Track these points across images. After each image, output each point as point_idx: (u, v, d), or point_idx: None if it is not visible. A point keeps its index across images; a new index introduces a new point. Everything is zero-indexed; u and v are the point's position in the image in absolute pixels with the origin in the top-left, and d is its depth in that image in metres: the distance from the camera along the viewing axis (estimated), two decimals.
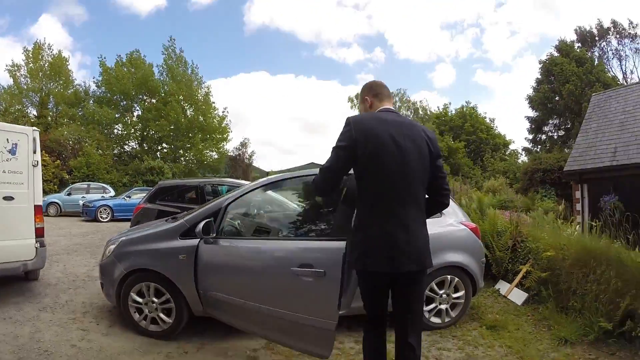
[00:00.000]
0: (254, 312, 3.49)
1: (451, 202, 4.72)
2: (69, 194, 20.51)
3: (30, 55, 31.17)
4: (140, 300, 4.29)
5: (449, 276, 4.64)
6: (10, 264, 5.34)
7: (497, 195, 16.37)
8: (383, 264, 2.42)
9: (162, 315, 4.27)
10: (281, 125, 69.28)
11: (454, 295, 4.72)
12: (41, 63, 31.41)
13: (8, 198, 5.38)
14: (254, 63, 70.87)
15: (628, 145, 11.79)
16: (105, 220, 17.12)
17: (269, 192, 4.81)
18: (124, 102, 32.61)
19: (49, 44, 31.92)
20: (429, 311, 4.65)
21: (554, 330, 4.63)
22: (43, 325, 4.49)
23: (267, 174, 33.32)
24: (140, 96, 32.71)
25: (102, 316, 4.81)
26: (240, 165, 32.85)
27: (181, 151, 33.98)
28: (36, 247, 5.57)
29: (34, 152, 5.66)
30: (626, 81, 31.91)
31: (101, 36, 50.62)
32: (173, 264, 4.08)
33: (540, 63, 34.06)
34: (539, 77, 33.43)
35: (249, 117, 65.43)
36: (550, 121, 33.41)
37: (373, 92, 2.78)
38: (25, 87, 31.19)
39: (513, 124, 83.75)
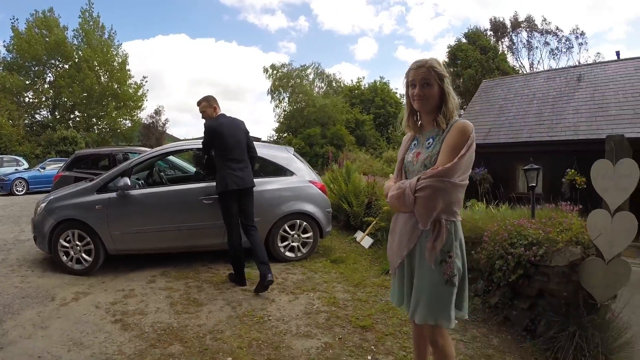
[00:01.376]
0: (170, 231, 5.64)
1: (301, 164, 6.50)
2: None
3: None
4: (67, 245, 5.55)
5: (298, 220, 6.16)
6: None
7: (392, 165, 17.94)
8: (235, 186, 4.87)
9: (84, 255, 5.57)
10: (199, 91, 67.68)
11: (304, 236, 6.23)
12: None
13: None
14: (174, 25, 68.69)
15: (500, 127, 13.62)
16: (21, 193, 17.13)
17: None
18: (36, 68, 30.51)
19: None
20: (284, 247, 6.16)
21: (382, 265, 5.87)
22: None
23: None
24: (53, 61, 30.74)
25: (35, 266, 5.91)
26: (153, 134, 32.32)
27: (94, 119, 32.36)
28: None
29: None
30: (532, 69, 36.22)
31: None
32: (92, 214, 5.51)
33: (448, 47, 37.25)
34: (446, 60, 36.12)
35: (166, 81, 64.38)
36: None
37: (216, 104, 5.17)
38: None
39: None
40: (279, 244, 6.13)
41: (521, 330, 3.95)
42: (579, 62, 33.44)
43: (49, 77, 31.37)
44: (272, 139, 37.05)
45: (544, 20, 39.70)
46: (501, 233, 4.09)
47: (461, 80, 34.06)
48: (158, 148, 6.77)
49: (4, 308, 4.37)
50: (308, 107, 35.68)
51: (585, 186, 9.81)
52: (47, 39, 29.44)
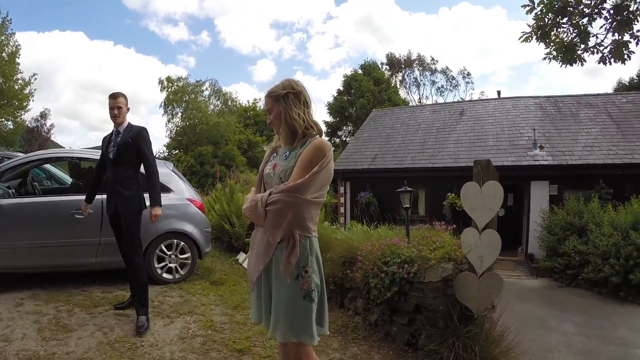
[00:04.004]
0: (40, 248, 5.06)
1: (180, 181, 6.12)
2: None
3: None
4: None
5: (175, 240, 5.83)
6: None
7: None
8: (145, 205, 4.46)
9: None
10: (90, 97, 64.03)
11: (182, 257, 5.90)
12: None
13: None
14: (72, 22, 64.57)
15: (386, 154, 14.39)
16: None
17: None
18: None
19: None
20: (161, 268, 5.78)
21: None
22: None
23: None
24: None
25: None
26: (37, 139, 29.47)
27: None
28: None
29: None
30: (420, 103, 38.92)
31: None
32: None
33: (344, 77, 38.49)
34: (340, 88, 37.75)
35: (56, 82, 59.66)
36: (345, 128, 37.69)
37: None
38: None
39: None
40: (156, 265, 5.74)
41: (403, 344, 4.03)
42: (463, 99, 36.82)
43: None
44: (162, 155, 35.35)
45: (433, 59, 42.97)
46: (375, 252, 4.11)
47: (353, 108, 35.53)
48: (34, 153, 6.01)
49: None
50: (201, 124, 34.77)
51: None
52: None
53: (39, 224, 5.14)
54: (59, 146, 29.87)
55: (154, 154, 4.50)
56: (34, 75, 28.43)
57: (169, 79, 37.25)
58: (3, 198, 5.15)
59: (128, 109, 4.37)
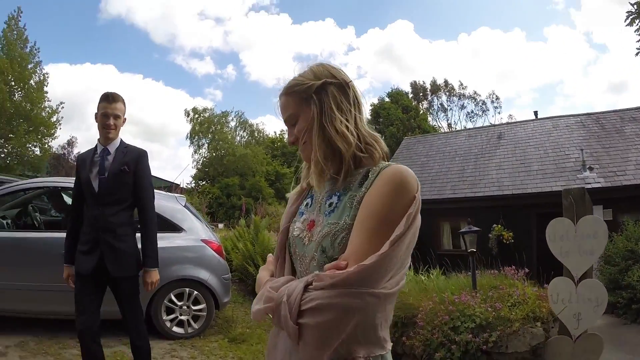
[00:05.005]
0: (31, 291, 4.39)
1: (194, 219, 5.32)
2: None
3: None
4: None
5: (187, 289, 4.98)
6: None
7: None
8: None
9: None
10: (121, 128, 64.62)
11: (195, 308, 5.03)
12: None
13: None
14: (103, 55, 65.46)
15: (423, 184, 13.28)
16: None
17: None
18: None
19: None
20: (171, 321, 4.93)
21: None
22: None
23: None
24: None
25: None
26: (63, 167, 29.81)
27: (1, 141, 29.73)
28: None
29: None
30: (450, 129, 37.93)
31: None
32: None
33: (371, 105, 37.58)
34: (368, 117, 36.70)
35: (88, 111, 61.42)
36: None
37: None
38: None
39: None
40: (164, 317, 4.89)
41: None
42: (492, 124, 35.80)
43: None
44: (189, 187, 35.16)
45: (461, 84, 42.03)
46: (439, 312, 3.12)
47: (383, 137, 34.12)
48: (35, 180, 5.40)
49: None
50: (228, 155, 34.66)
51: (512, 240, 10.05)
52: None
53: (34, 263, 4.51)
54: None
55: (152, 188, 3.25)
56: (61, 103, 29.34)
57: (195, 109, 37.64)
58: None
59: (124, 120, 3.15)
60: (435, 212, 12.17)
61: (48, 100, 29.80)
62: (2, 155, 28.73)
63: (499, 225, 10.51)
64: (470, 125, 40.10)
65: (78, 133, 62.13)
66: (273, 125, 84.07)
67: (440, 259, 7.19)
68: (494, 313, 2.99)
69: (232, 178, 32.73)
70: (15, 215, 5.42)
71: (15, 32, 28.53)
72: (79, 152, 31.83)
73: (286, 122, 1.33)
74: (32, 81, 28.83)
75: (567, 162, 11.40)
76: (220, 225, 20.93)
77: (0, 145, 29.03)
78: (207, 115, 37.59)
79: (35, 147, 30.01)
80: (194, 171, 37.71)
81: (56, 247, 4.25)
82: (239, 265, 7.38)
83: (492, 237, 10.59)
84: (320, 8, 68.23)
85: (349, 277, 1.00)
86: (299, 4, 68.47)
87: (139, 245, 3.09)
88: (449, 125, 41.30)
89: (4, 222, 4.98)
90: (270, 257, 1.44)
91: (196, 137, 37.25)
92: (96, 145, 3.04)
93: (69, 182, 4.86)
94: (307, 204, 1.35)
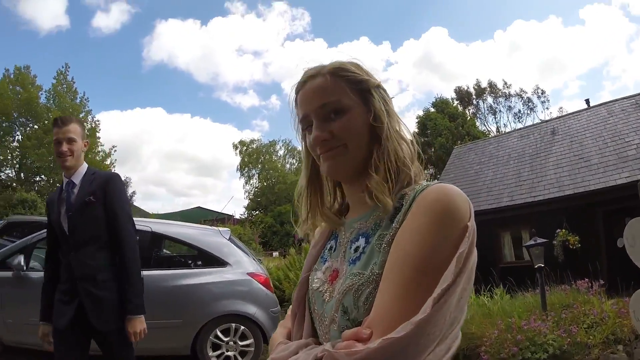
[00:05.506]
0: None
1: (239, 252, 5.24)
2: None
3: None
4: None
5: (234, 324, 4.85)
6: None
7: None
8: None
9: None
10: (175, 166, 66.13)
11: (242, 343, 4.88)
12: None
13: None
14: (151, 99, 68.40)
15: (479, 193, 12.62)
16: None
17: None
18: (5, 124, 29.40)
19: None
20: (217, 357, 4.83)
21: None
22: None
23: (147, 214, 32.22)
24: (22, 119, 29.73)
25: None
26: None
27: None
28: None
29: None
30: (499, 132, 36.31)
31: None
32: None
33: (417, 118, 36.76)
34: (415, 130, 35.25)
35: (142, 154, 63.39)
36: (426, 171, 35.65)
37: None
38: None
39: None
40: (210, 353, 4.79)
41: None
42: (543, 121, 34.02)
43: (18, 135, 30.39)
44: (243, 217, 35.70)
45: (505, 84, 40.07)
46: (507, 345, 2.72)
47: (432, 149, 33.44)
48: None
49: None
50: (279, 183, 34.99)
51: (579, 245, 9.17)
52: (20, 96, 28.65)
53: None
54: (143, 212, 32.04)
55: (132, 218, 2.68)
56: (113, 147, 31.60)
57: (242, 142, 38.72)
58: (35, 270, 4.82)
59: (86, 144, 2.71)
60: (493, 223, 11.42)
61: (101, 145, 31.63)
62: None
63: (564, 230, 9.66)
64: (519, 125, 37.64)
65: (133, 174, 65.37)
66: None
67: (503, 274, 6.65)
68: (569, 339, 2.57)
69: (285, 206, 32.98)
70: None
71: (64, 85, 31.20)
72: (133, 192, 33.16)
73: (319, 110, 0.96)
74: (85, 130, 31.63)
75: (629, 149, 10.40)
76: (275, 254, 20.92)
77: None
78: (254, 146, 38.45)
79: None
80: (246, 202, 38.49)
81: None
82: (290, 295, 7.17)
83: (557, 244, 9.62)
84: (353, 28, 68.83)
85: (369, 356, 0.69)
86: (332, 27, 69.18)
87: None
88: (498, 128, 39.64)
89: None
90: (287, 315, 1.12)
91: (246, 168, 38.06)
92: (62, 182, 2.63)
93: None
94: (331, 247, 1.04)
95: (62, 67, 31.75)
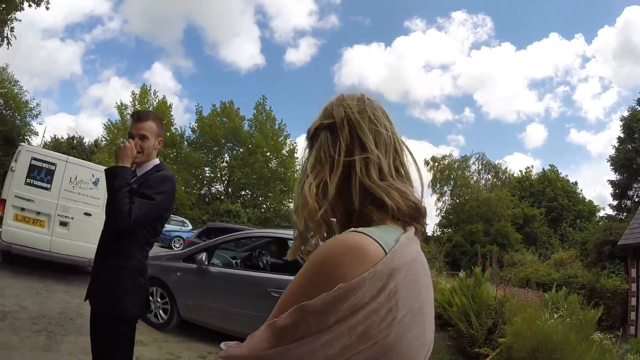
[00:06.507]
0: (232, 315, 5.33)
1: None
2: None
3: (137, 98, 34.37)
4: (150, 298, 5.81)
5: None
6: (82, 259, 7.33)
7: (562, 270, 15.13)
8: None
9: (161, 312, 5.91)
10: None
11: None
12: (146, 106, 33.79)
13: (87, 214, 7.58)
14: None
15: None
16: (178, 249, 18.09)
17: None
18: (215, 148, 36.10)
19: (154, 90, 35.58)
20: None
21: None
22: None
23: None
24: (230, 144, 35.92)
25: None
26: None
27: (261, 199, 36.59)
28: None
29: None
30: None
31: (205, 86, 58.33)
32: (172, 278, 5.84)
33: (621, 120, 28.43)
34: (621, 135, 28.07)
35: None
36: (635, 185, 27.64)
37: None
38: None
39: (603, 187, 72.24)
40: None
41: None
42: None
43: (226, 157, 37.37)
44: (435, 235, 35.00)
45: None
46: None
47: None
48: (264, 230, 7.11)
49: (80, 329, 4.80)
50: (471, 200, 33.48)
51: None
52: (226, 125, 35.56)
53: (239, 294, 5.48)
54: None
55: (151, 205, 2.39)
56: None
57: (434, 158, 37.93)
58: (214, 266, 5.85)
59: (160, 142, 2.61)
60: None
61: (299, 165, 36.45)
62: (263, 210, 37.04)
63: None
64: None
65: None
66: (518, 163, 78.40)
67: None
68: None
69: (476, 224, 31.49)
70: (245, 257, 6.69)
71: (264, 114, 37.02)
72: None
73: None
74: (284, 151, 37.16)
75: None
76: (460, 274, 19.95)
77: (260, 202, 37.71)
78: (446, 162, 37.44)
79: (290, 203, 36.62)
80: (437, 219, 37.65)
81: (250, 282, 5.51)
82: (451, 322, 6.80)
83: None
84: (539, 26, 63.69)
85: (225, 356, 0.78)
86: (517, 29, 64.36)
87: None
88: None
89: (234, 261, 6.38)
90: None
91: (437, 185, 37.24)
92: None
93: (288, 233, 5.99)
94: None
95: (260, 98, 37.86)
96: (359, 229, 0.78)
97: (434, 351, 3.75)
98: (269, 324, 0.73)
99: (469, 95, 67.95)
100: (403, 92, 64.50)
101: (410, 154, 0.98)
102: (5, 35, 10.69)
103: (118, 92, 63.89)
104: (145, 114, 2.53)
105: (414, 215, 0.87)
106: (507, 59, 61.69)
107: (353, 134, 0.92)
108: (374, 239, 0.76)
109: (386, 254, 0.75)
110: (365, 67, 65.52)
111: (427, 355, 0.84)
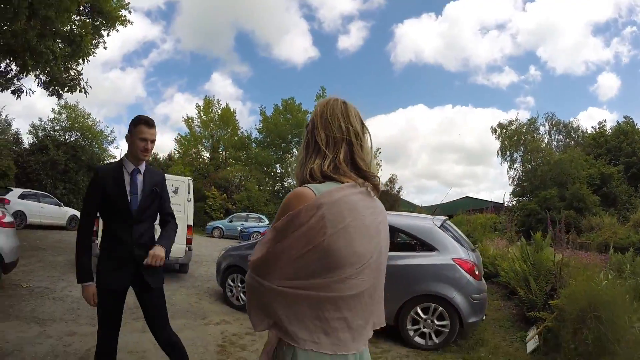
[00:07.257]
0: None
1: (447, 239, 5.61)
2: (231, 221, 25.22)
3: (202, 109, 38.19)
4: (232, 284, 6.96)
5: (433, 304, 5.30)
6: (170, 259, 8.09)
7: None
8: None
9: (242, 294, 6.80)
10: (444, 158, 67.87)
11: (438, 323, 5.29)
12: (211, 115, 37.95)
13: None
14: (410, 98, 71.38)
15: None
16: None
17: None
18: (282, 145, 37.19)
19: (217, 99, 39.15)
20: (414, 331, 5.38)
21: None
22: (176, 293, 7.47)
23: (414, 208, 34.02)
24: (296, 139, 36.82)
25: (212, 294, 7.76)
26: (387, 200, 34.18)
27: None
28: (185, 250, 8.98)
29: (189, 192, 9.09)
30: None
31: (265, 87, 61.23)
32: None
33: None
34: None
35: (411, 150, 66.86)
36: None
37: None
38: (200, 134, 38.22)
39: None
40: (409, 327, 5.41)
41: None
42: None
43: (294, 151, 38.13)
44: (508, 204, 33.80)
45: None
46: None
47: None
48: None
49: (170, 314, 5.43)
50: (542, 165, 32.04)
51: None
52: (290, 122, 36.61)
53: None
54: (410, 204, 35.86)
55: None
56: (378, 149, 35.44)
57: (500, 125, 36.59)
58: None
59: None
60: None
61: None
62: None
63: None
64: None
65: (405, 170, 68.94)
66: (594, 118, 71.74)
67: None
68: None
69: (550, 190, 30.08)
70: None
71: None
72: (400, 187, 36.31)
73: None
74: None
75: None
76: (522, 240, 19.45)
77: None
78: (514, 127, 36.01)
79: None
80: (510, 188, 36.41)
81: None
82: (510, 286, 7.08)
83: None
84: None
85: (250, 264, 1.40)
86: None
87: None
88: None
89: None
90: None
91: (507, 152, 36.12)
92: (121, 164, 3.02)
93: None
94: None
95: (319, 90, 38.32)
96: (307, 185, 1.32)
97: (498, 318, 4.44)
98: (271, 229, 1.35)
99: (531, 52, 63.34)
100: (462, 59, 62.63)
101: (370, 139, 1.53)
102: (82, 86, 12.68)
103: (183, 106, 67.73)
104: (153, 121, 3.03)
105: (329, 176, 1.36)
106: (564, 6, 59.02)
107: (314, 133, 1.45)
108: (311, 189, 1.29)
109: (316, 196, 1.27)
110: (420, 41, 65.26)
111: (367, 262, 1.35)
